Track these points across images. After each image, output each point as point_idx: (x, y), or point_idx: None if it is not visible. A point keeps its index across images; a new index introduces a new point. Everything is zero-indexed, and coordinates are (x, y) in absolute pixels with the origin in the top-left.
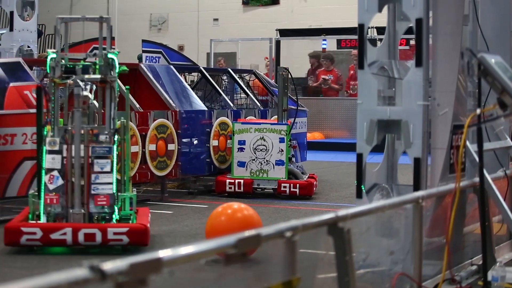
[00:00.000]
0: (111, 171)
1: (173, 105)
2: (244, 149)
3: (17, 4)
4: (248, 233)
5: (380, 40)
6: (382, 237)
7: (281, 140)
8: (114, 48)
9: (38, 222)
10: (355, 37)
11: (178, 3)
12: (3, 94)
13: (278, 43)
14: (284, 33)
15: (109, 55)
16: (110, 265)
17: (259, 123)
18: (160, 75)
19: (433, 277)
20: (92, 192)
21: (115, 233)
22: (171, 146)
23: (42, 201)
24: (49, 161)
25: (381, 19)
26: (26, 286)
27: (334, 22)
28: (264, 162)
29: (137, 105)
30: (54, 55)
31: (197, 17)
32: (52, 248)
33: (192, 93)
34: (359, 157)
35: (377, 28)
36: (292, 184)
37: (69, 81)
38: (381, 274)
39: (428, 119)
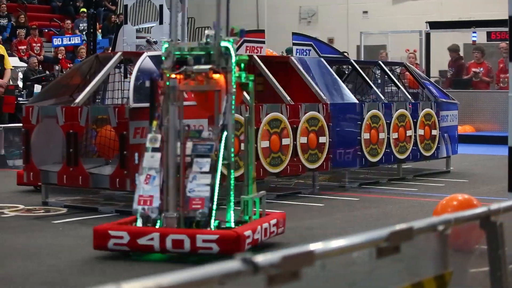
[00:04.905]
0: (210, 172)
1: (324, 97)
2: None
3: None
4: (400, 226)
5: None
6: None
7: None
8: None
9: (128, 225)
10: (506, 29)
11: None
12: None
13: (428, 35)
14: (434, 25)
15: (222, 43)
16: (262, 258)
17: None
18: (311, 67)
19: None
20: (188, 194)
21: (204, 241)
22: (322, 139)
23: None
24: (148, 159)
25: None
26: (180, 278)
27: (484, 14)
28: None
29: (288, 98)
30: (167, 45)
31: (346, 9)
32: (151, 255)
33: (343, 86)
34: (511, 150)
35: None
36: None
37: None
38: None
39: None
